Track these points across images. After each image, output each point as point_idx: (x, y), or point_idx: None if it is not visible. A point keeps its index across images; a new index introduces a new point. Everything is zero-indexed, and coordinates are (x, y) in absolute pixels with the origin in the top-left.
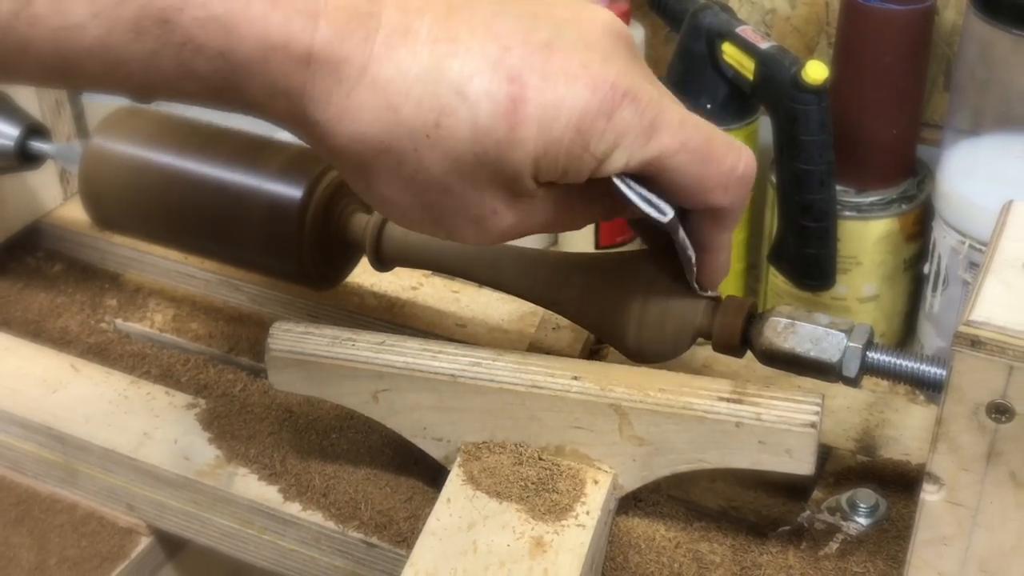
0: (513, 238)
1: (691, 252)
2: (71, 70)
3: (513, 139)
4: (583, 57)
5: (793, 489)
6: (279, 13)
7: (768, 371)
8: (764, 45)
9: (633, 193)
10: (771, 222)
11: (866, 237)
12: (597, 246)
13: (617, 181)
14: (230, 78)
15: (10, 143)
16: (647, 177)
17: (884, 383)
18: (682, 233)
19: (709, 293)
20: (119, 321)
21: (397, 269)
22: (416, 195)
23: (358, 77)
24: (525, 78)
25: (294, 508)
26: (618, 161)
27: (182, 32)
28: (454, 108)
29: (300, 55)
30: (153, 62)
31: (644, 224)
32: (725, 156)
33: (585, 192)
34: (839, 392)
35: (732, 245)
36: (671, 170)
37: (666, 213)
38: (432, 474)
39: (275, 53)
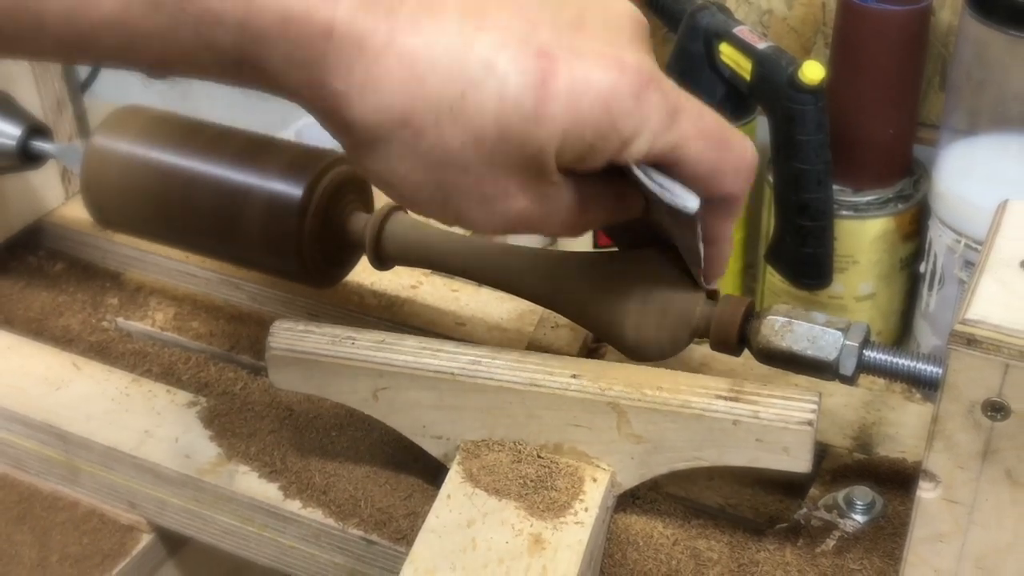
0: (517, 230)
1: (702, 245)
2: (87, 44)
3: (541, 114)
4: (611, 39)
5: (790, 487)
6: None
7: (765, 369)
8: (761, 45)
9: (653, 182)
10: (768, 221)
11: (863, 236)
12: (595, 245)
13: (636, 170)
14: (248, 50)
15: (12, 143)
16: (666, 165)
17: (881, 381)
18: (700, 225)
19: (711, 286)
20: (120, 320)
21: (397, 268)
22: (430, 172)
23: (383, 47)
24: (555, 53)
25: (294, 505)
26: (642, 144)
27: (200, 3)
28: (481, 80)
29: (321, 26)
30: (170, 35)
31: (624, 229)
32: (737, 143)
33: (597, 189)
34: (836, 390)
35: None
36: (691, 157)
37: (691, 202)
38: (431, 472)
39: (295, 24)
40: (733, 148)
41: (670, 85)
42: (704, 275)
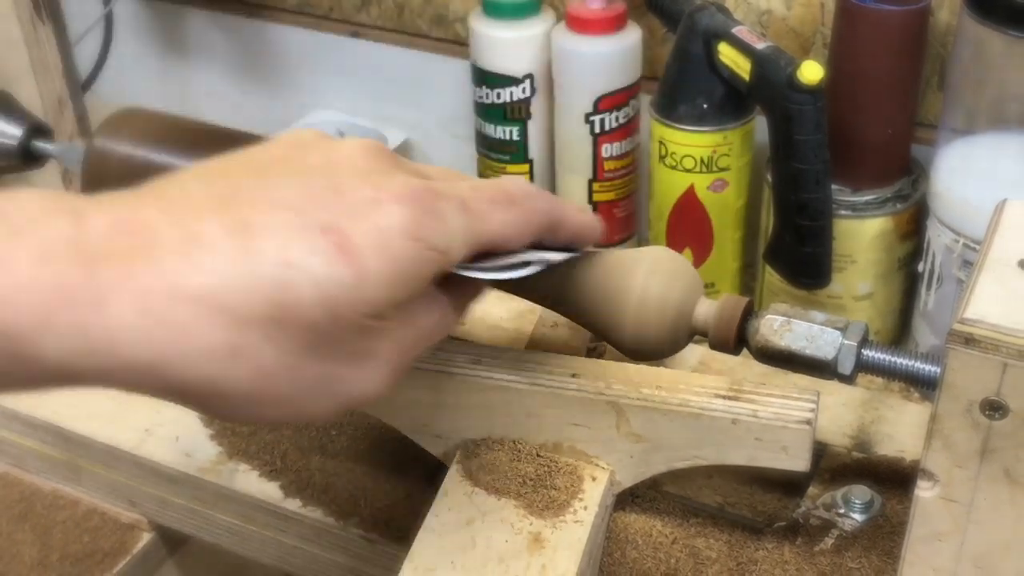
0: (408, 363)
1: (561, 255)
2: None
3: (360, 276)
4: (369, 182)
5: (789, 485)
6: (48, 272)
7: (764, 369)
8: (760, 45)
9: (488, 273)
10: (767, 221)
11: (861, 236)
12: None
13: (467, 273)
14: (17, 352)
15: (13, 143)
16: (489, 250)
17: (879, 380)
18: (551, 254)
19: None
20: None
21: None
22: (287, 381)
23: (169, 299)
24: (335, 223)
25: (295, 504)
26: (458, 250)
27: None
28: (288, 279)
29: (88, 304)
30: None
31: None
32: (511, 187)
33: (450, 287)
34: (834, 389)
35: (569, 204)
36: (501, 233)
37: (528, 263)
38: (431, 471)
39: (59, 313)
40: (515, 194)
41: (443, 186)
42: (586, 245)
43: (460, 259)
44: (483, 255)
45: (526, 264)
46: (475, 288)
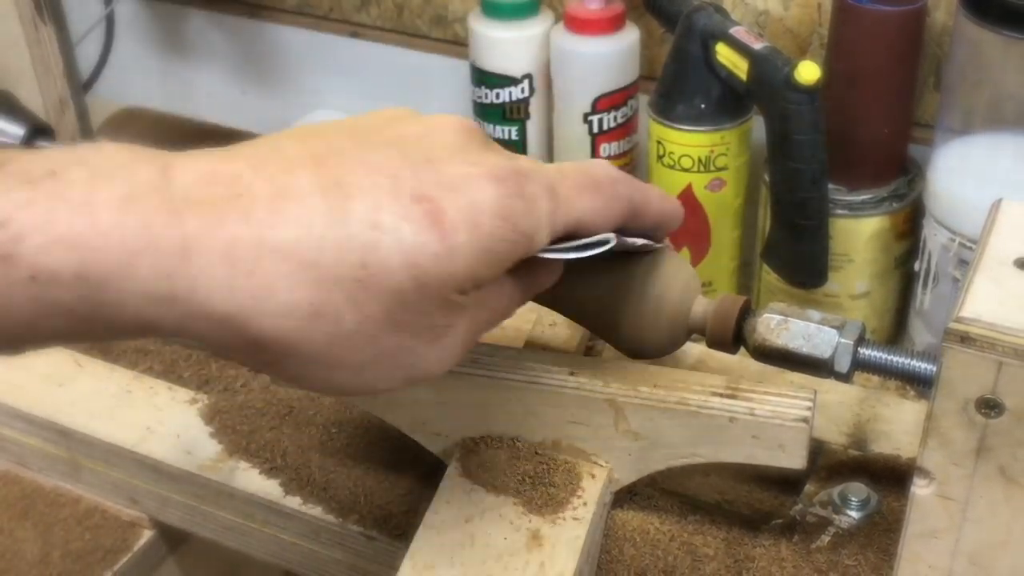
0: (474, 342)
1: (640, 240)
2: None
3: (448, 247)
4: (463, 158)
5: (786, 483)
6: (133, 217)
7: (761, 367)
8: (757, 46)
9: (568, 252)
10: (764, 220)
11: (858, 235)
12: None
13: (548, 255)
14: (97, 299)
15: (15, 143)
16: (572, 235)
17: (875, 379)
18: (631, 239)
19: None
20: None
21: None
22: (363, 348)
23: (256, 251)
24: (429, 193)
25: (295, 502)
26: (544, 235)
27: (28, 264)
28: (376, 242)
29: (173, 251)
30: (4, 304)
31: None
32: (600, 172)
33: (522, 271)
34: (831, 388)
35: (654, 189)
36: (587, 218)
37: (608, 240)
38: (430, 468)
39: (142, 257)
40: (600, 180)
41: (532, 168)
42: (660, 235)
43: (544, 244)
44: (563, 238)
45: (603, 243)
46: (545, 275)
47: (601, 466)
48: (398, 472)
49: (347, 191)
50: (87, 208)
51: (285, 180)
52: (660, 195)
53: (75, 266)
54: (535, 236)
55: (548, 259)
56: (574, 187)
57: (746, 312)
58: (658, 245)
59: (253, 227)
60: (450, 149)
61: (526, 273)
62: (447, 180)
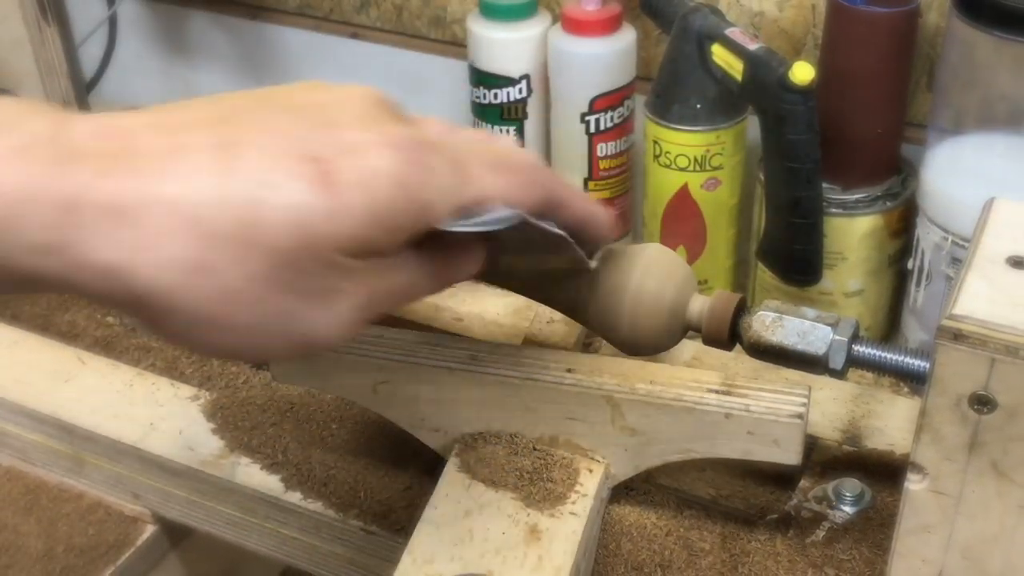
0: (372, 316)
1: (556, 229)
2: None
3: (336, 208)
4: (365, 125)
5: (781, 478)
6: (22, 167)
7: (756, 364)
8: (752, 47)
9: (469, 226)
10: (759, 219)
11: (852, 233)
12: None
13: (449, 228)
14: None
15: None
16: (477, 211)
17: (869, 375)
18: (538, 221)
19: (595, 259)
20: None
21: None
22: (249, 308)
23: (142, 203)
24: (324, 155)
25: (295, 497)
26: (444, 207)
27: None
28: (266, 199)
29: (60, 201)
30: None
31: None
32: (515, 156)
33: (435, 251)
34: (825, 384)
35: (577, 190)
36: (494, 195)
37: (511, 216)
38: (430, 464)
39: (29, 206)
40: (517, 163)
41: (439, 142)
42: (590, 243)
43: (443, 218)
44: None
45: (508, 220)
46: (465, 258)
47: (598, 461)
48: (398, 468)
49: (239, 150)
50: None
51: (180, 137)
52: (586, 197)
53: None
54: (432, 208)
55: (465, 241)
56: (485, 165)
57: (741, 309)
58: (590, 261)
59: (140, 180)
60: (355, 117)
61: (440, 253)
62: (345, 144)
